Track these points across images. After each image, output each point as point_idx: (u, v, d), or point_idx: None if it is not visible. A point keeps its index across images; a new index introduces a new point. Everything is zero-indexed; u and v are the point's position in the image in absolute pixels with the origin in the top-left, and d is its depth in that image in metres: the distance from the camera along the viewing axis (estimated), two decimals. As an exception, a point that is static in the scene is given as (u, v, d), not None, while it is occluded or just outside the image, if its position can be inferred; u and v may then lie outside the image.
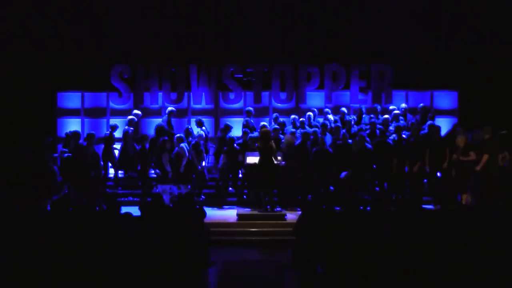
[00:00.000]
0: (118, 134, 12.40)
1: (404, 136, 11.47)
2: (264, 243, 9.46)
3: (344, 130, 11.65)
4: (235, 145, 11.56)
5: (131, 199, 11.78)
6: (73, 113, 13.87)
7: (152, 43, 13.82)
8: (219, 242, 8.92)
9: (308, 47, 13.81)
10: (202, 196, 11.70)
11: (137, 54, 13.72)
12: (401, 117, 12.43)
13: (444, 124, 12.12)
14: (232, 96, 13.77)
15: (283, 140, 11.44)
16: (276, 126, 11.94)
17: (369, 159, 10.94)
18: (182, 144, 11.31)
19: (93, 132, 11.64)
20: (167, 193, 10.83)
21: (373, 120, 12.24)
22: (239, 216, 10.27)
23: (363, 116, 12.81)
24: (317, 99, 13.70)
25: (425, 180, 11.17)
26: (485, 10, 13.84)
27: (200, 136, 11.71)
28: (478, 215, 6.82)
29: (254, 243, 9.50)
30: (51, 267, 5.11)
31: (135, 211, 7.25)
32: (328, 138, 11.53)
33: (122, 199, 11.72)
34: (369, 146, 11.08)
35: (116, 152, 12.19)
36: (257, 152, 10.46)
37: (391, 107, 12.95)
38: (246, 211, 10.70)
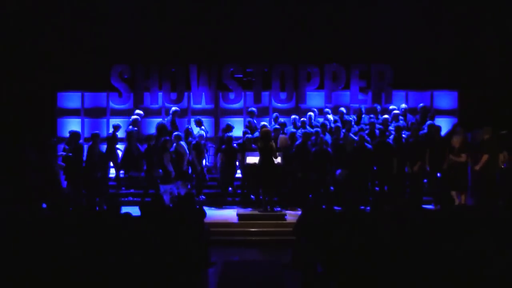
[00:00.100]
0: (119, 134, 12.41)
1: (404, 136, 11.48)
2: (264, 243, 9.47)
3: (344, 130, 11.67)
4: (234, 144, 11.57)
5: (131, 199, 11.79)
6: (73, 113, 13.87)
7: (152, 43, 13.81)
8: (219, 242, 8.92)
9: (308, 47, 13.79)
10: (202, 196, 11.70)
11: (137, 54, 13.71)
12: (401, 117, 12.43)
13: (444, 124, 12.11)
14: (232, 96, 13.77)
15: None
16: (277, 126, 11.95)
17: (368, 159, 10.95)
18: (181, 142, 11.32)
19: (97, 131, 11.67)
20: (167, 193, 10.86)
21: (372, 120, 12.24)
22: (239, 216, 10.28)
23: (363, 116, 12.81)
24: (317, 99, 13.70)
25: (425, 180, 11.17)
26: (485, 10, 13.83)
27: (201, 136, 11.72)
28: (478, 215, 6.82)
29: (254, 243, 9.51)
30: (51, 267, 5.11)
31: (135, 211, 7.25)
32: (328, 138, 11.53)
33: (123, 199, 11.73)
34: (369, 146, 11.08)
35: (118, 152, 12.20)
36: (257, 152, 10.47)
37: (391, 107, 12.95)
38: (246, 211, 10.71)
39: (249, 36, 13.79)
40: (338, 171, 11.00)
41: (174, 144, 11.26)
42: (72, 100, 13.90)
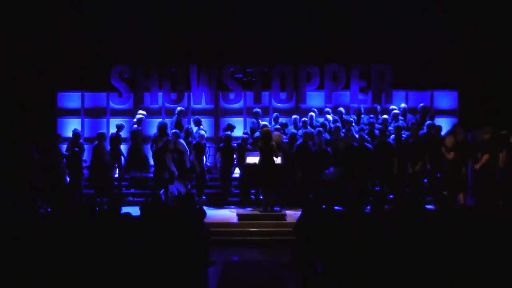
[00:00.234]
0: (122, 134, 12.44)
1: (403, 136, 11.50)
2: (264, 243, 9.47)
3: (344, 130, 11.67)
4: (234, 144, 11.58)
5: (131, 199, 11.79)
6: (73, 113, 13.87)
7: (152, 43, 13.81)
8: (219, 242, 8.92)
9: (308, 47, 13.80)
10: (204, 197, 11.70)
11: (137, 54, 13.72)
12: (400, 117, 12.44)
13: (444, 124, 12.11)
14: (232, 96, 13.77)
15: (285, 140, 11.48)
16: (277, 126, 11.95)
17: (368, 159, 10.96)
18: (180, 140, 11.34)
19: (103, 131, 11.68)
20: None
21: (371, 120, 12.25)
22: (239, 216, 10.27)
23: (362, 116, 12.82)
24: (317, 99, 13.69)
25: (425, 180, 11.17)
26: (485, 10, 13.83)
27: (201, 136, 11.71)
28: (478, 215, 6.82)
29: (254, 243, 9.51)
30: (51, 267, 5.11)
31: (135, 211, 7.25)
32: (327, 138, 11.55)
33: (129, 199, 11.74)
34: (369, 145, 11.09)
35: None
36: (257, 152, 10.48)
37: (391, 107, 12.95)
38: (246, 211, 10.72)
39: (249, 36, 13.80)
40: (331, 169, 11.02)
41: (169, 138, 11.30)
42: (72, 100, 13.90)
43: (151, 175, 12.13)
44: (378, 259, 5.18)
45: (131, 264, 5.22)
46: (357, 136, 11.32)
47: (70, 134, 11.76)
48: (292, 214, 10.23)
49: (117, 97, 13.71)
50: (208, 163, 12.27)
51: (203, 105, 13.69)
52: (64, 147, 11.53)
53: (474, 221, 6.44)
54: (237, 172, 11.73)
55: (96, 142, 11.30)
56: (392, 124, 12.02)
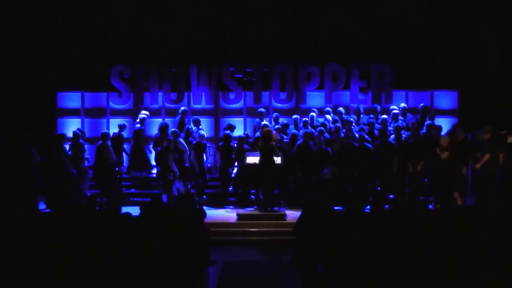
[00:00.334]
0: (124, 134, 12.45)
1: (403, 135, 11.51)
2: (264, 243, 9.47)
3: (344, 130, 11.68)
4: (233, 143, 11.58)
5: (131, 199, 11.79)
6: (73, 113, 13.87)
7: (152, 43, 13.82)
8: (219, 242, 8.91)
9: (308, 47, 13.81)
10: (204, 197, 11.70)
11: (137, 54, 13.73)
12: (400, 117, 12.45)
13: (444, 124, 12.11)
14: (232, 96, 13.77)
15: (285, 140, 11.48)
16: (277, 126, 11.95)
17: (369, 159, 10.97)
18: (180, 140, 11.34)
19: (107, 131, 11.68)
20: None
21: (371, 120, 12.26)
22: (239, 216, 10.27)
23: (361, 116, 12.84)
24: (317, 99, 13.70)
25: (425, 180, 11.17)
26: (485, 10, 13.84)
27: (201, 136, 11.71)
28: (478, 215, 6.81)
29: (254, 243, 9.51)
30: (51, 267, 5.11)
31: (135, 211, 7.25)
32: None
33: (133, 199, 11.75)
34: (370, 145, 11.10)
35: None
36: (257, 152, 10.48)
37: (391, 107, 12.95)
38: (246, 211, 10.72)
39: (249, 36, 13.80)
40: (325, 169, 11.03)
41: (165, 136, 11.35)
42: (72, 100, 13.90)
43: (152, 175, 12.17)
44: (378, 259, 5.18)
45: (131, 264, 5.22)
46: (357, 136, 11.33)
47: (71, 134, 11.77)
48: (292, 214, 10.22)
49: (117, 97, 13.72)
50: (208, 163, 12.26)
51: (203, 105, 13.69)
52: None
53: (474, 221, 6.43)
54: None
55: (100, 142, 11.32)
56: (392, 124, 12.02)
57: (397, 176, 11.02)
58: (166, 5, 14.11)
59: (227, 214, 10.78)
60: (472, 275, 4.81)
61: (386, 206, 8.70)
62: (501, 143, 10.32)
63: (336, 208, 7.68)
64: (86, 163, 11.40)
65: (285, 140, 11.52)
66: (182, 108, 12.94)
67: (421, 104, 12.88)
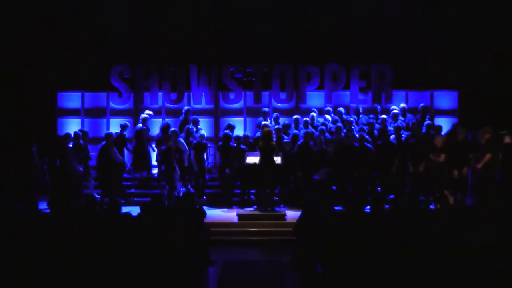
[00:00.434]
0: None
1: (403, 135, 11.52)
2: (264, 243, 9.47)
3: (344, 130, 11.68)
4: (233, 144, 11.59)
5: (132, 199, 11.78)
6: (73, 113, 13.88)
7: (152, 43, 13.82)
8: (219, 242, 8.92)
9: (308, 47, 13.80)
10: (204, 197, 11.71)
11: (137, 54, 13.73)
12: (400, 117, 12.46)
13: (444, 124, 12.11)
14: (232, 96, 13.77)
15: (285, 140, 11.48)
16: (277, 126, 11.95)
17: (369, 159, 10.98)
18: (180, 139, 11.34)
19: (110, 132, 11.68)
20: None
21: (371, 120, 12.27)
22: (239, 216, 10.27)
23: (360, 116, 12.85)
24: (317, 99, 13.70)
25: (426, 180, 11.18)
26: (484, 10, 13.84)
27: (202, 136, 11.71)
28: (478, 215, 6.82)
29: (254, 243, 9.50)
30: (51, 267, 5.11)
31: (136, 211, 7.25)
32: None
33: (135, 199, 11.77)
34: (370, 146, 11.10)
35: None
36: (257, 152, 10.48)
37: (391, 107, 12.96)
38: (246, 211, 10.72)
39: (249, 36, 13.80)
40: (321, 171, 11.04)
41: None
42: (72, 100, 13.91)
43: (153, 175, 12.18)
44: (378, 259, 5.18)
45: (131, 264, 5.22)
46: (357, 136, 11.34)
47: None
48: (292, 214, 10.22)
49: (117, 97, 13.72)
50: (208, 163, 12.25)
51: (203, 105, 13.68)
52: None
53: (474, 221, 6.44)
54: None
55: (104, 142, 11.34)
56: (392, 124, 12.03)
57: (397, 176, 11.02)
58: (166, 5, 14.10)
59: (227, 214, 10.78)
60: (472, 275, 4.81)
61: (386, 206, 8.69)
62: (499, 143, 10.33)
63: (336, 208, 7.67)
64: (90, 162, 11.42)
65: (285, 140, 11.51)
66: (186, 107, 12.95)
67: (421, 104, 12.88)
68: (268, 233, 9.75)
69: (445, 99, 13.94)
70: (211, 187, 12.10)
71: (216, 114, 13.86)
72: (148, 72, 13.62)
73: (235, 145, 11.50)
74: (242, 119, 13.82)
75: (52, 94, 13.78)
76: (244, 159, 11.00)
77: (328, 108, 13.04)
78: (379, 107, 13.12)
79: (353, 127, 11.90)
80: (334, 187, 11.22)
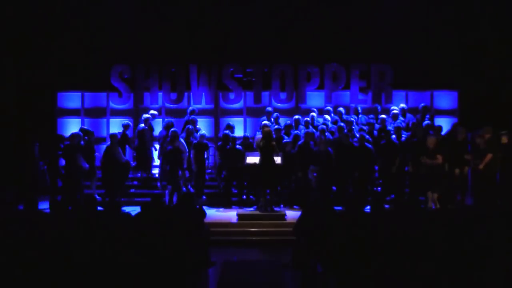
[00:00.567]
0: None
1: (403, 136, 11.53)
2: (264, 243, 9.46)
3: (346, 130, 11.68)
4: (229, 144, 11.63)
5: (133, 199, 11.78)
6: (73, 113, 13.88)
7: (152, 43, 13.82)
8: (219, 242, 8.91)
9: (308, 47, 13.80)
10: (204, 197, 11.71)
11: (137, 54, 13.73)
12: (401, 117, 12.47)
13: (444, 124, 12.12)
14: (232, 96, 13.77)
15: (286, 140, 11.49)
16: (277, 126, 11.94)
17: (369, 159, 11.00)
18: (180, 139, 11.34)
19: (115, 132, 11.67)
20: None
21: (371, 120, 12.27)
22: (239, 216, 10.27)
23: (360, 116, 12.86)
24: (317, 99, 13.70)
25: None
26: (485, 9, 13.84)
27: (202, 136, 11.71)
28: (478, 215, 6.82)
29: (254, 243, 9.50)
30: (51, 267, 5.11)
31: (136, 211, 7.25)
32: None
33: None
34: (369, 146, 11.11)
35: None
36: (257, 152, 10.48)
37: (392, 107, 12.97)
38: (246, 211, 10.72)
39: (249, 36, 13.80)
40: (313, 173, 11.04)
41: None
42: (72, 100, 13.91)
43: (154, 175, 12.19)
44: (378, 259, 5.18)
45: (131, 264, 5.22)
46: (357, 136, 11.35)
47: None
48: (292, 214, 10.22)
49: (117, 97, 13.72)
50: (208, 163, 12.25)
51: (203, 105, 13.68)
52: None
53: (474, 221, 6.44)
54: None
55: (109, 142, 11.35)
56: (392, 125, 12.04)
57: (398, 176, 11.03)
58: (166, 5, 14.10)
59: (227, 214, 10.77)
60: (472, 275, 4.81)
61: (386, 206, 8.70)
62: (499, 143, 10.35)
63: (336, 208, 7.67)
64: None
65: (285, 140, 11.50)
66: (191, 108, 12.97)
67: (422, 104, 12.89)
68: (268, 233, 9.74)
69: (445, 99, 13.94)
70: (211, 187, 12.10)
71: (216, 114, 13.86)
72: (148, 72, 13.62)
73: (230, 145, 11.52)
74: (242, 119, 13.82)
75: (52, 94, 13.78)
76: (244, 159, 11.01)
77: (329, 108, 13.04)
78: (379, 107, 13.12)
79: (353, 127, 11.91)
80: (334, 187, 11.23)
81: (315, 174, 11.00)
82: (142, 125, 12.44)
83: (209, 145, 12.25)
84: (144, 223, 6.55)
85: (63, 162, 11.76)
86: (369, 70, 13.58)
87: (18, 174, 10.75)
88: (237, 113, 13.85)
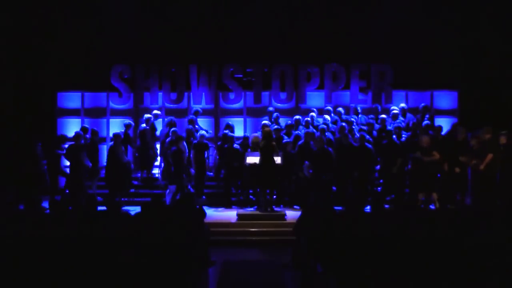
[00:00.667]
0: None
1: (404, 136, 11.54)
2: (264, 243, 9.47)
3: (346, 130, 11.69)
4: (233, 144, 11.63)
5: (133, 199, 11.78)
6: (73, 113, 13.87)
7: (152, 43, 13.82)
8: (219, 242, 8.92)
9: (308, 47, 13.80)
10: (203, 196, 11.71)
11: (137, 54, 13.72)
12: (401, 117, 12.47)
13: (444, 124, 12.12)
14: (232, 96, 13.77)
15: (286, 140, 11.50)
16: (276, 127, 11.95)
17: (369, 159, 11.00)
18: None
19: (118, 132, 11.68)
20: (171, 193, 10.92)
21: (370, 121, 12.27)
22: (239, 216, 10.27)
23: (359, 116, 12.86)
24: (317, 99, 13.69)
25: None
26: (485, 9, 13.84)
27: (202, 135, 11.70)
28: (478, 215, 6.82)
29: (254, 243, 9.51)
30: (51, 267, 5.12)
31: (137, 211, 7.26)
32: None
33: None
34: (370, 146, 11.12)
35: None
36: (257, 152, 10.48)
37: (392, 107, 12.97)
38: (246, 211, 10.72)
39: (249, 36, 13.80)
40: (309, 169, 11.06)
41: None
42: (72, 100, 13.90)
43: (154, 175, 12.19)
44: (378, 259, 5.18)
45: (131, 264, 5.23)
46: (357, 135, 11.35)
47: (71, 134, 11.81)
48: (292, 214, 10.22)
49: (117, 97, 13.72)
50: (208, 163, 12.25)
51: (203, 105, 13.67)
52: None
53: (474, 221, 6.44)
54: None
55: (112, 142, 11.34)
56: (392, 125, 12.04)
57: (398, 176, 11.03)
58: (166, 5, 14.10)
59: (227, 214, 10.78)
60: (472, 275, 4.81)
61: (386, 206, 8.70)
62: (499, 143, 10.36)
63: (336, 208, 7.68)
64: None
65: (285, 140, 11.50)
66: (195, 108, 12.97)
67: (422, 104, 12.90)
68: (268, 233, 9.75)
69: (445, 99, 13.94)
70: (211, 187, 12.10)
71: (216, 114, 13.85)
72: (148, 72, 13.62)
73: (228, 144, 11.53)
74: (242, 119, 13.82)
75: (52, 94, 13.77)
76: (242, 159, 11.02)
77: (329, 108, 13.04)
78: (379, 107, 13.12)
79: (353, 127, 11.91)
80: (334, 187, 11.23)
81: (310, 171, 10.99)
82: (144, 125, 12.45)
83: (209, 145, 12.26)
84: (144, 223, 6.55)
85: (63, 162, 11.82)
86: (369, 70, 13.58)
87: (19, 174, 10.75)
88: (237, 113, 13.85)
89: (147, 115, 12.67)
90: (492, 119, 11.73)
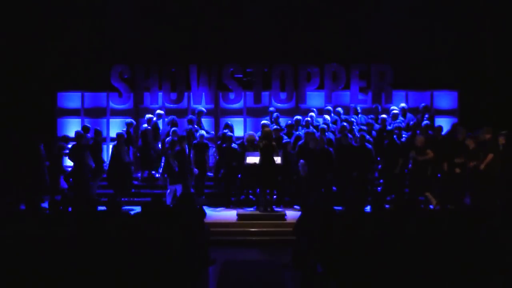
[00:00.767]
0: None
1: (404, 136, 11.54)
2: (264, 243, 9.47)
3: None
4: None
5: (134, 199, 11.78)
6: (73, 113, 13.87)
7: (152, 43, 13.82)
8: (219, 242, 8.92)
9: (308, 47, 13.80)
10: (203, 196, 11.72)
11: (137, 54, 13.72)
12: (401, 117, 12.47)
13: (444, 124, 12.12)
14: (232, 96, 13.77)
15: (286, 140, 11.50)
16: (276, 127, 11.95)
17: (369, 159, 11.01)
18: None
19: (122, 132, 11.67)
20: (171, 194, 10.92)
21: (370, 121, 12.28)
22: (239, 216, 10.28)
23: (359, 116, 12.86)
24: (317, 99, 13.69)
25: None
26: (485, 9, 13.84)
27: (202, 135, 11.70)
28: (478, 215, 6.82)
29: (254, 243, 9.52)
30: (51, 267, 5.12)
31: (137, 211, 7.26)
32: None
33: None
34: (370, 146, 11.12)
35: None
36: (257, 152, 10.48)
37: (392, 107, 12.97)
38: (246, 211, 10.72)
39: (249, 36, 13.80)
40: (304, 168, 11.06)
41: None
42: (72, 100, 13.90)
43: (154, 175, 12.19)
44: (377, 258, 5.18)
45: (131, 264, 5.23)
46: (357, 135, 11.35)
47: (71, 134, 11.82)
48: (292, 214, 10.23)
49: (117, 97, 13.72)
50: (208, 163, 12.25)
51: (203, 105, 13.66)
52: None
53: (474, 221, 6.44)
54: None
55: (116, 142, 11.35)
56: (392, 125, 12.04)
57: (398, 176, 11.04)
58: (166, 5, 14.10)
59: (227, 214, 10.78)
60: (472, 275, 4.81)
61: (386, 206, 8.68)
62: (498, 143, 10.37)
63: (336, 208, 7.68)
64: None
65: (285, 140, 11.50)
66: (199, 108, 12.96)
67: (423, 104, 12.90)
68: (268, 233, 9.76)
69: (445, 99, 13.93)
70: (211, 187, 12.10)
71: (216, 114, 13.85)
72: (148, 72, 13.62)
73: (225, 144, 11.53)
74: (242, 119, 13.82)
75: (52, 94, 13.77)
76: (241, 158, 11.02)
77: (329, 108, 13.04)
78: (379, 107, 13.13)
79: (354, 127, 11.91)
80: (334, 187, 11.23)
81: (306, 170, 10.99)
82: (145, 125, 12.45)
83: (209, 145, 12.26)
84: (144, 223, 6.55)
85: (65, 162, 11.83)
86: (369, 70, 13.57)
87: (19, 174, 10.75)
88: (237, 113, 13.85)
89: (148, 115, 12.68)
90: (492, 119, 11.73)
